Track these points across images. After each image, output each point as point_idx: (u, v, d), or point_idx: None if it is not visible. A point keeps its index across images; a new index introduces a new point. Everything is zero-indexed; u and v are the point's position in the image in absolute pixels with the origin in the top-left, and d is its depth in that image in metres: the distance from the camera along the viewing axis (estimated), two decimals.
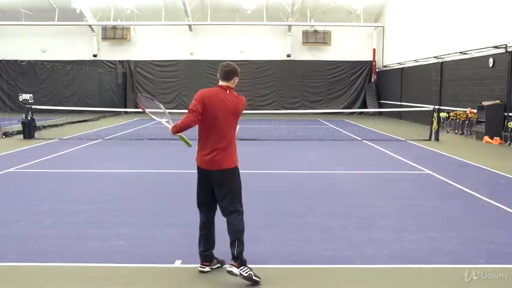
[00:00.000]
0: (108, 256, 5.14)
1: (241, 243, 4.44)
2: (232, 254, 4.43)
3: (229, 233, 4.52)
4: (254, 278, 4.35)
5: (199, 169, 4.75)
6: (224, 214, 4.61)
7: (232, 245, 4.46)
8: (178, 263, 4.93)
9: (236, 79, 4.68)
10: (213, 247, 4.72)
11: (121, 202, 7.52)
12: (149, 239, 5.67)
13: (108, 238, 5.68)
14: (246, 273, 4.35)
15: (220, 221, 4.74)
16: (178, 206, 7.29)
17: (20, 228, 6.08)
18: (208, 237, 4.69)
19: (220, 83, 4.65)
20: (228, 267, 4.44)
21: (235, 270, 4.36)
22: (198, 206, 4.82)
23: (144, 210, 7.01)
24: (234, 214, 4.54)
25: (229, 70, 4.64)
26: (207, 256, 4.68)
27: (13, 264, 4.90)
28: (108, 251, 5.28)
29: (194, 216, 6.68)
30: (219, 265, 4.73)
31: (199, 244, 4.71)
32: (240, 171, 4.72)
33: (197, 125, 4.58)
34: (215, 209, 4.75)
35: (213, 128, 4.53)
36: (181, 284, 4.49)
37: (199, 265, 4.69)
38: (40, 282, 4.52)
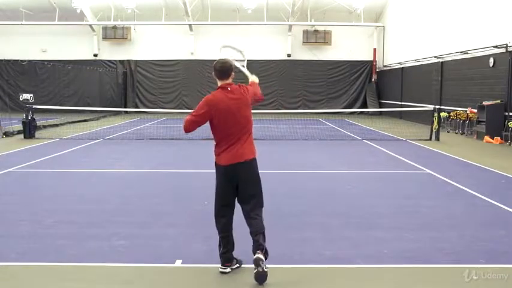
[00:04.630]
0: (109, 256, 5.14)
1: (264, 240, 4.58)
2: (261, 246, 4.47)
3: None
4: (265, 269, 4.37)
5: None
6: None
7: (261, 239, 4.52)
8: (178, 263, 4.93)
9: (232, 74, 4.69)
10: (233, 249, 4.69)
11: (121, 202, 7.52)
12: (149, 239, 5.67)
13: (108, 238, 5.68)
14: (266, 268, 4.37)
15: (236, 222, 4.78)
16: (178, 205, 7.30)
17: (20, 228, 6.09)
18: (229, 239, 4.66)
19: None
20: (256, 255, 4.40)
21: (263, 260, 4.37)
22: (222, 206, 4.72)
23: (144, 210, 7.01)
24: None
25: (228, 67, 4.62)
26: (227, 258, 4.64)
27: (13, 264, 4.90)
28: (109, 251, 5.28)
29: (194, 215, 6.70)
30: (238, 265, 4.72)
31: (220, 246, 4.67)
32: None
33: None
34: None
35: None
36: (182, 283, 4.49)
37: (220, 266, 4.64)
38: (40, 282, 4.52)
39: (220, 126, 4.54)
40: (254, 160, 4.67)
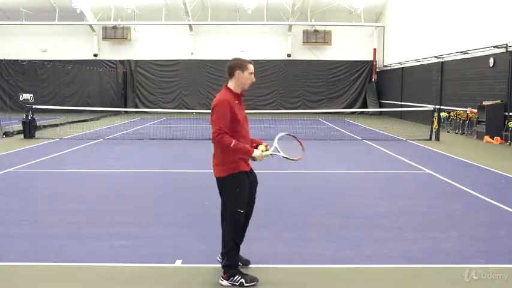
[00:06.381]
0: (109, 256, 5.14)
1: (227, 257, 4.43)
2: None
3: None
4: (246, 285, 4.35)
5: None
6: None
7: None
8: (178, 263, 4.93)
9: (236, 73, 4.53)
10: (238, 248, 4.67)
11: (121, 202, 7.52)
12: (149, 239, 5.67)
13: (108, 238, 5.68)
14: (237, 282, 4.36)
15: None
16: (178, 205, 7.30)
17: (20, 228, 6.09)
18: None
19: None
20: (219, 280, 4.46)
21: (224, 282, 4.40)
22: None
23: (144, 210, 7.01)
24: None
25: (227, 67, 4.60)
26: None
27: (13, 264, 4.90)
28: (109, 251, 5.28)
29: (194, 215, 6.71)
30: (240, 264, 4.69)
31: None
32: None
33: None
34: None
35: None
36: (182, 284, 4.49)
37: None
38: (40, 282, 4.52)
39: None
40: (217, 179, 4.54)
